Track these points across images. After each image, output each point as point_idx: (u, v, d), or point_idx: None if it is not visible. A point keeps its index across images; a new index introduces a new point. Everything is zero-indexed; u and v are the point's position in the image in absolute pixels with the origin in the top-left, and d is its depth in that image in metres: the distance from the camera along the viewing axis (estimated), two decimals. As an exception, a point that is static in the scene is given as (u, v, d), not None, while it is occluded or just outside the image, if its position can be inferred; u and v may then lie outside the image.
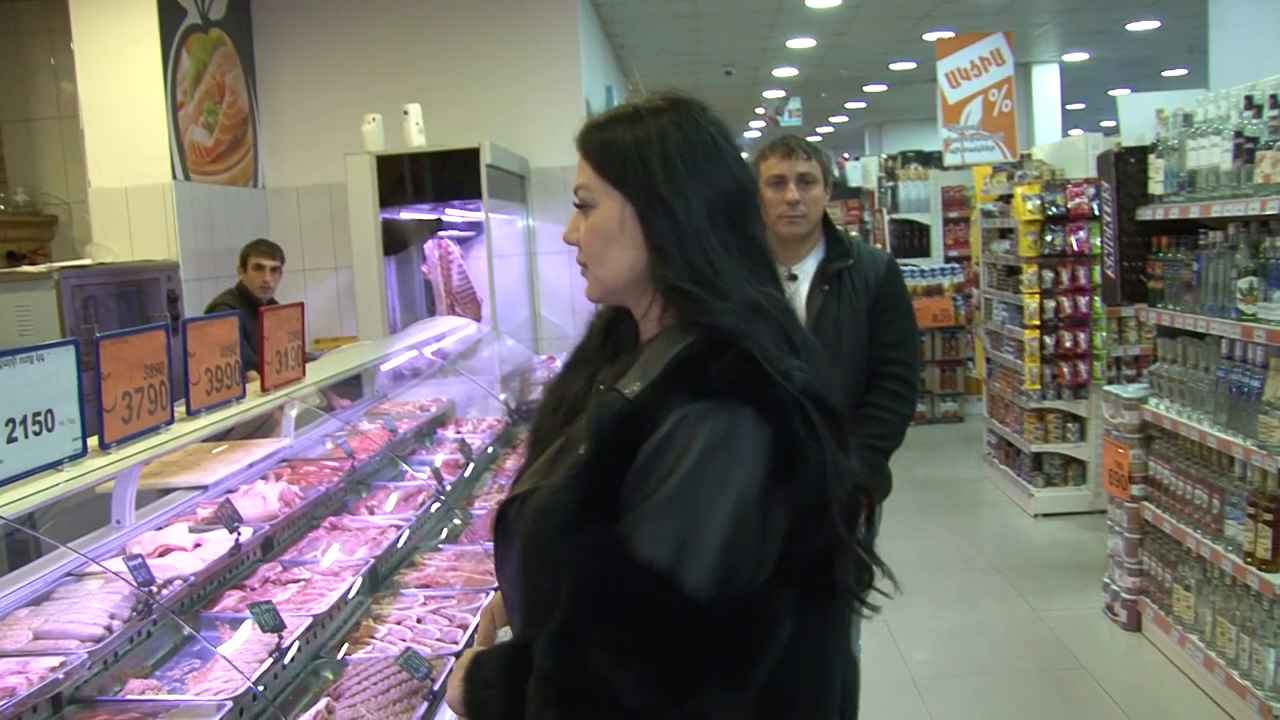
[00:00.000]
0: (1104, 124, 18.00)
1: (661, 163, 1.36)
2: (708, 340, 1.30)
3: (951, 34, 9.81)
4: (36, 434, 1.94)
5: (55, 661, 2.06)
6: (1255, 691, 3.76)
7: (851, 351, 3.01)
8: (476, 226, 6.47)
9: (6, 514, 1.83)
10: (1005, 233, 7.42)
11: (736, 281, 1.33)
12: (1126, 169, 4.72)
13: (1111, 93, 14.81)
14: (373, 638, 2.72)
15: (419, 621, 2.80)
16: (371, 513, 3.49)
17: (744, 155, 1.46)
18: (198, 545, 2.71)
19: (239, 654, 2.35)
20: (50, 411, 1.97)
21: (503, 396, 5.05)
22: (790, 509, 1.27)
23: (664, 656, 1.21)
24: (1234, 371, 3.91)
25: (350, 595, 2.80)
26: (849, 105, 16.43)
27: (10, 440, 1.87)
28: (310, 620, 2.54)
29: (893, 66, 12.64)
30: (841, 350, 2.99)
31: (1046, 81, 12.66)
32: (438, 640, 2.68)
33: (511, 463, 4.20)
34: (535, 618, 1.32)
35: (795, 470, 1.26)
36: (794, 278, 3.07)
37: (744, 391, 1.26)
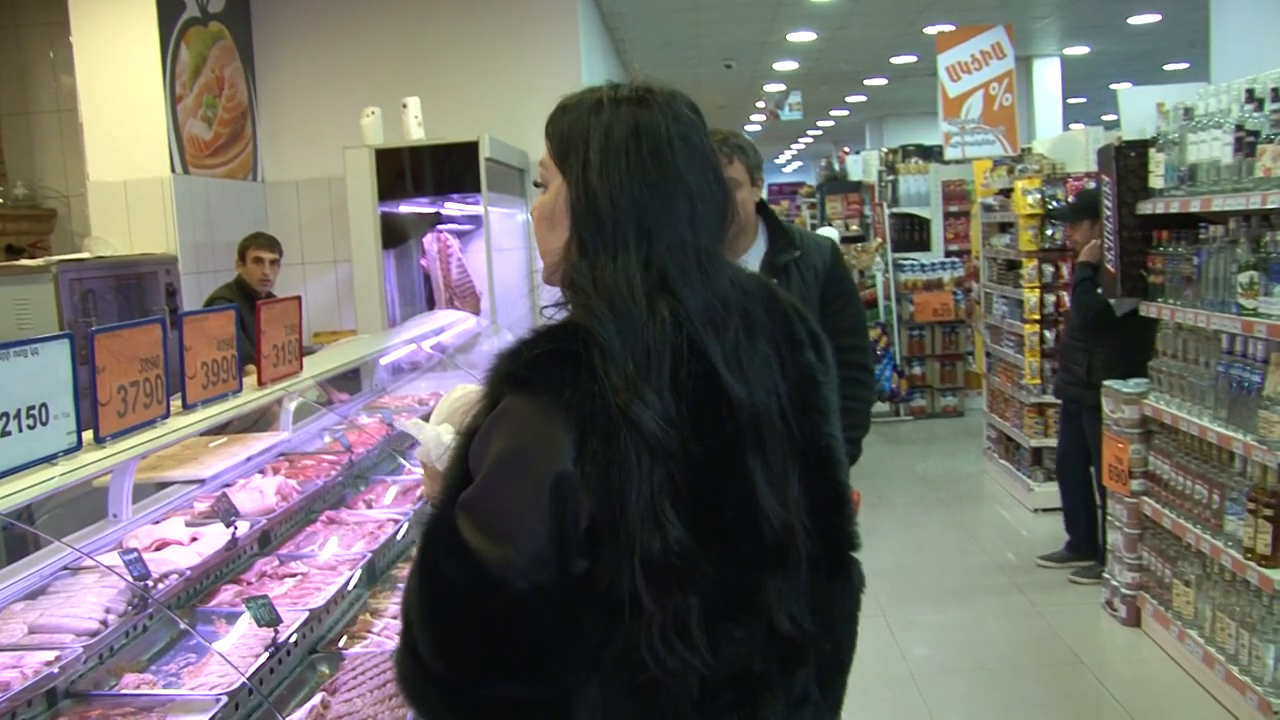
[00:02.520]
0: (1105, 118, 17.93)
1: (600, 155, 1.33)
2: (542, 330, 1.31)
3: (952, 27, 9.80)
4: (31, 428, 1.93)
5: (50, 656, 2.05)
6: (1254, 687, 3.75)
7: None
8: (475, 220, 6.46)
9: (0, 508, 1.82)
10: (1005, 227, 7.41)
11: (615, 279, 1.29)
12: (1127, 163, 4.71)
13: (1113, 87, 14.78)
14: (370, 632, 2.72)
15: (416, 616, 2.79)
16: (369, 506, 3.48)
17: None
18: (194, 539, 2.70)
19: (235, 648, 2.34)
20: (45, 405, 1.96)
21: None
22: (588, 504, 1.23)
23: (451, 629, 1.27)
24: (1234, 366, 3.90)
25: (348, 589, 2.80)
26: (849, 99, 16.39)
27: (4, 434, 1.86)
28: (307, 614, 2.53)
29: (893, 60, 12.62)
30: None
31: (1047, 75, 12.63)
32: (435, 635, 2.67)
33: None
34: None
35: (588, 464, 1.22)
36: None
37: (547, 384, 1.25)
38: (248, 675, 2.17)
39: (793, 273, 3.00)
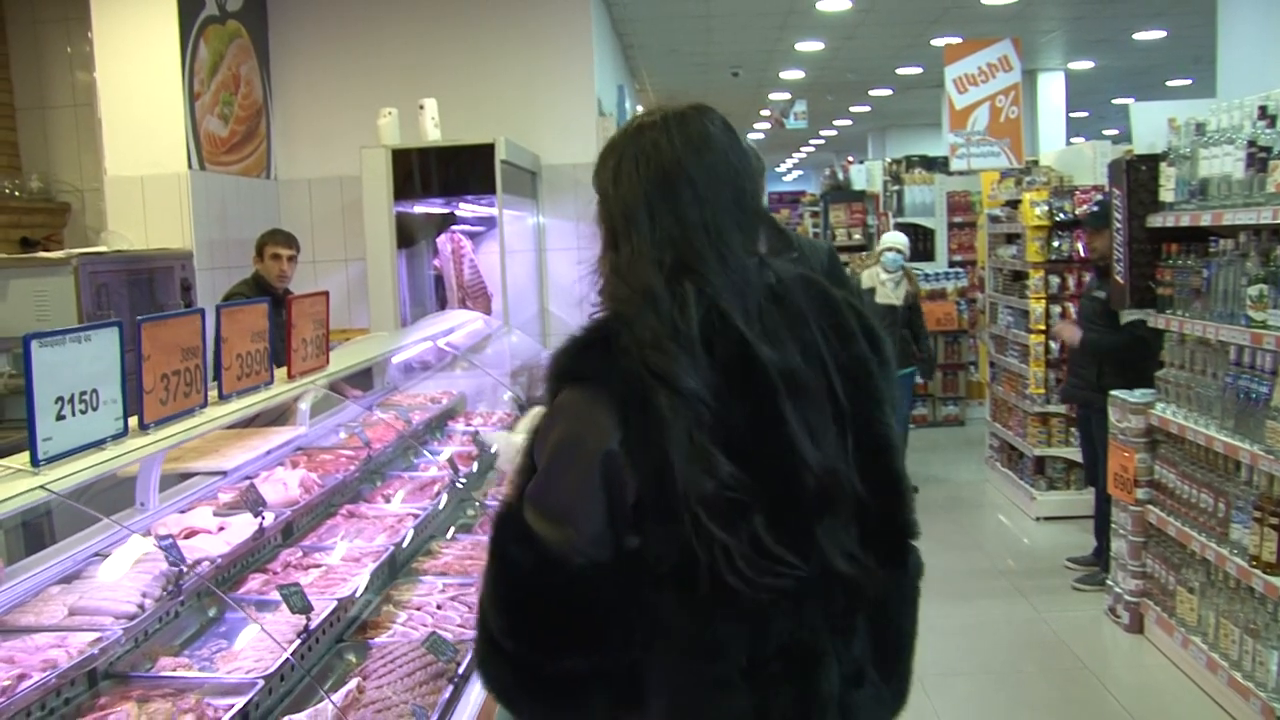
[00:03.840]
0: (1106, 132, 18.03)
1: (613, 171, 1.48)
2: (585, 326, 1.43)
3: (960, 40, 9.86)
4: (83, 412, 1.97)
5: (92, 637, 2.10)
6: (1258, 693, 3.80)
7: None
8: (487, 222, 6.51)
9: (58, 489, 1.86)
10: (1012, 238, 7.47)
11: (634, 262, 1.41)
12: (1138, 176, 4.76)
13: (1115, 101, 14.86)
14: (393, 623, 2.76)
15: (439, 608, 2.84)
16: (387, 501, 3.53)
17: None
18: (222, 528, 2.75)
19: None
20: (95, 391, 2.01)
21: (512, 391, 5.08)
22: (633, 482, 1.33)
23: (521, 610, 1.39)
24: (1242, 377, 3.95)
25: (371, 581, 2.84)
26: (854, 109, 16.45)
27: (59, 418, 1.91)
28: (335, 603, 2.58)
29: (899, 71, 12.67)
30: None
31: (1051, 89, 12.70)
32: (459, 626, 2.72)
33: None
34: None
35: (631, 441, 1.33)
36: None
37: (592, 373, 1.37)
38: (283, 658, 2.21)
39: None
